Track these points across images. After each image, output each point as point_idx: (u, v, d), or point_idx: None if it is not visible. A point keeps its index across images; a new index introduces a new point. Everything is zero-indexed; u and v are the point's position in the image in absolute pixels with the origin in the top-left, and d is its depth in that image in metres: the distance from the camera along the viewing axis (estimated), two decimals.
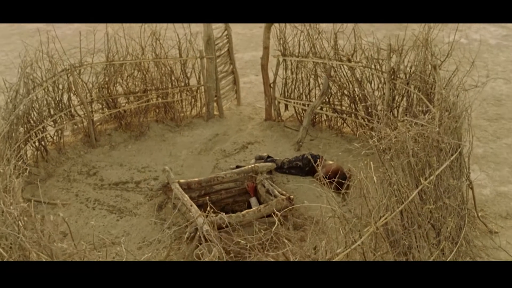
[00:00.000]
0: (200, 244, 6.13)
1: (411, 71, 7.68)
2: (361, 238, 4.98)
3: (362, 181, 5.21)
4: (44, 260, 5.15)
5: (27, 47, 7.99)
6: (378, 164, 5.46)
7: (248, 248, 5.14)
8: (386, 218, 5.16)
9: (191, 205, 6.67)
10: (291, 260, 4.68)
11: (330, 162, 7.76)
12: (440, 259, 5.83)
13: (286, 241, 4.97)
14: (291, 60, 9.01)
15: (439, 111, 6.30)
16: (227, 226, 6.01)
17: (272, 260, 4.71)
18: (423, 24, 7.41)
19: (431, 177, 5.63)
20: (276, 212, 5.89)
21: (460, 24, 7.43)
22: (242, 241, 5.30)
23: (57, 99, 8.16)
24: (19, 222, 5.17)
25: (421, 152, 5.68)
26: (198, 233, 6.29)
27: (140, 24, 8.61)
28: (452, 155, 6.08)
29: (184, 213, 6.75)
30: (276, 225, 5.04)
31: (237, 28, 9.62)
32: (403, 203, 5.32)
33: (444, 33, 7.55)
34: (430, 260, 5.63)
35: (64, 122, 8.31)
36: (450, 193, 5.99)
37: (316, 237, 4.96)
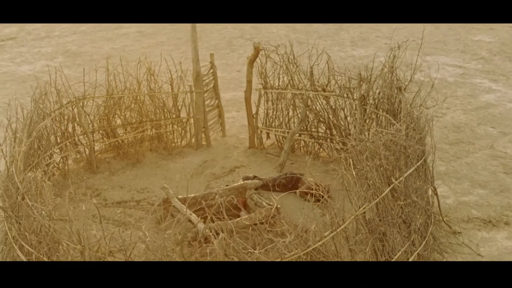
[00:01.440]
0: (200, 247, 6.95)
1: (380, 96, 8.70)
2: (344, 223, 5.91)
3: (344, 176, 6.18)
4: (72, 248, 5.96)
5: (39, 81, 8.87)
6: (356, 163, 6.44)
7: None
8: (365, 208, 6.09)
9: (191, 214, 7.53)
10: (288, 237, 5.56)
11: (310, 179, 8.68)
12: (411, 250, 6.72)
13: (282, 222, 5.85)
14: (271, 92, 9.96)
15: (405, 123, 7.31)
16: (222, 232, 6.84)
17: (270, 238, 5.59)
18: (388, 54, 8.49)
19: (401, 178, 6.59)
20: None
21: (422, 64, 8.53)
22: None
23: (63, 128, 9.02)
24: (52, 214, 5.99)
25: (391, 156, 6.65)
26: (198, 237, 7.12)
27: (137, 61, 9.61)
28: (418, 161, 7.07)
29: (183, 222, 7.55)
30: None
31: (217, 72, 10.64)
32: (378, 196, 6.26)
33: (407, 73, 8.58)
34: (404, 248, 6.53)
35: (69, 149, 9.15)
36: (417, 193, 6.95)
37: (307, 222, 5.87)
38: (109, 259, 5.77)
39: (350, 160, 6.22)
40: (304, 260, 5.67)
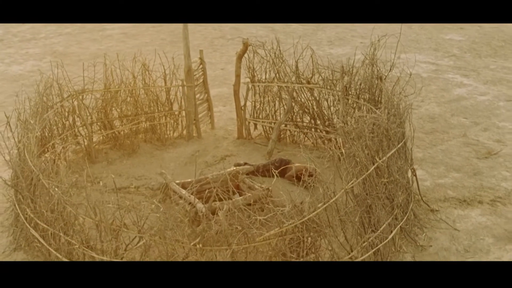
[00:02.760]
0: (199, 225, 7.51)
1: (361, 86, 9.36)
2: (335, 196, 6.53)
3: (334, 154, 6.82)
4: (87, 221, 6.50)
5: (42, 76, 9.39)
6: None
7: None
8: (353, 183, 6.72)
9: (189, 196, 8.10)
10: (286, 207, 6.17)
11: (298, 164, 9.29)
12: (394, 223, 7.36)
13: (281, 193, 6.45)
14: (258, 86, 10.58)
15: (386, 109, 7.97)
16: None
17: (271, 207, 6.19)
18: (369, 46, 9.16)
19: (384, 158, 7.24)
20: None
21: (398, 60, 9.24)
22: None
23: (64, 120, 9.54)
24: (69, 191, 6.54)
25: (375, 138, 7.29)
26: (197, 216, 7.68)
27: (132, 57, 10.18)
28: (399, 143, 7.72)
29: (182, 205, 8.11)
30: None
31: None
32: (364, 173, 6.90)
33: (385, 69, 9.24)
34: (388, 221, 7.16)
35: (70, 140, 9.67)
36: (399, 172, 7.60)
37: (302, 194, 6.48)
38: (124, 230, 6.35)
39: (340, 139, 6.86)
40: (300, 229, 6.30)
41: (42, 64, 15.46)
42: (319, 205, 6.40)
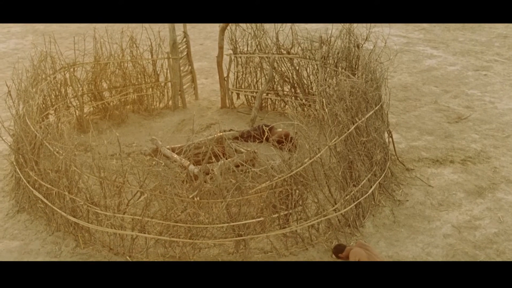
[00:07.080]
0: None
1: (338, 56, 9.90)
2: (320, 152, 7.08)
3: (319, 113, 7.37)
4: (90, 179, 6.97)
5: (36, 49, 9.79)
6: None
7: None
8: (336, 140, 7.27)
9: (180, 159, 8.58)
10: (275, 163, 6.71)
11: (279, 129, 9.81)
12: (373, 179, 7.94)
13: (271, 148, 6.99)
14: (241, 57, 11.07)
15: (364, 74, 8.52)
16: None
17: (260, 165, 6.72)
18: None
19: (363, 119, 7.80)
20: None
21: (371, 34, 9.84)
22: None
23: (57, 91, 9.94)
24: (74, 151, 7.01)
25: (354, 100, 7.85)
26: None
27: (120, 31, 10.60)
28: (376, 105, 8.29)
29: (173, 168, 8.59)
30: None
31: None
32: (345, 132, 7.46)
33: (361, 38, 9.80)
34: (368, 176, 7.72)
35: (62, 110, 10.06)
36: (377, 132, 8.17)
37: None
38: (126, 186, 6.83)
39: (323, 100, 7.41)
40: (288, 182, 6.83)
41: (25, 42, 15.78)
42: (306, 160, 6.95)
